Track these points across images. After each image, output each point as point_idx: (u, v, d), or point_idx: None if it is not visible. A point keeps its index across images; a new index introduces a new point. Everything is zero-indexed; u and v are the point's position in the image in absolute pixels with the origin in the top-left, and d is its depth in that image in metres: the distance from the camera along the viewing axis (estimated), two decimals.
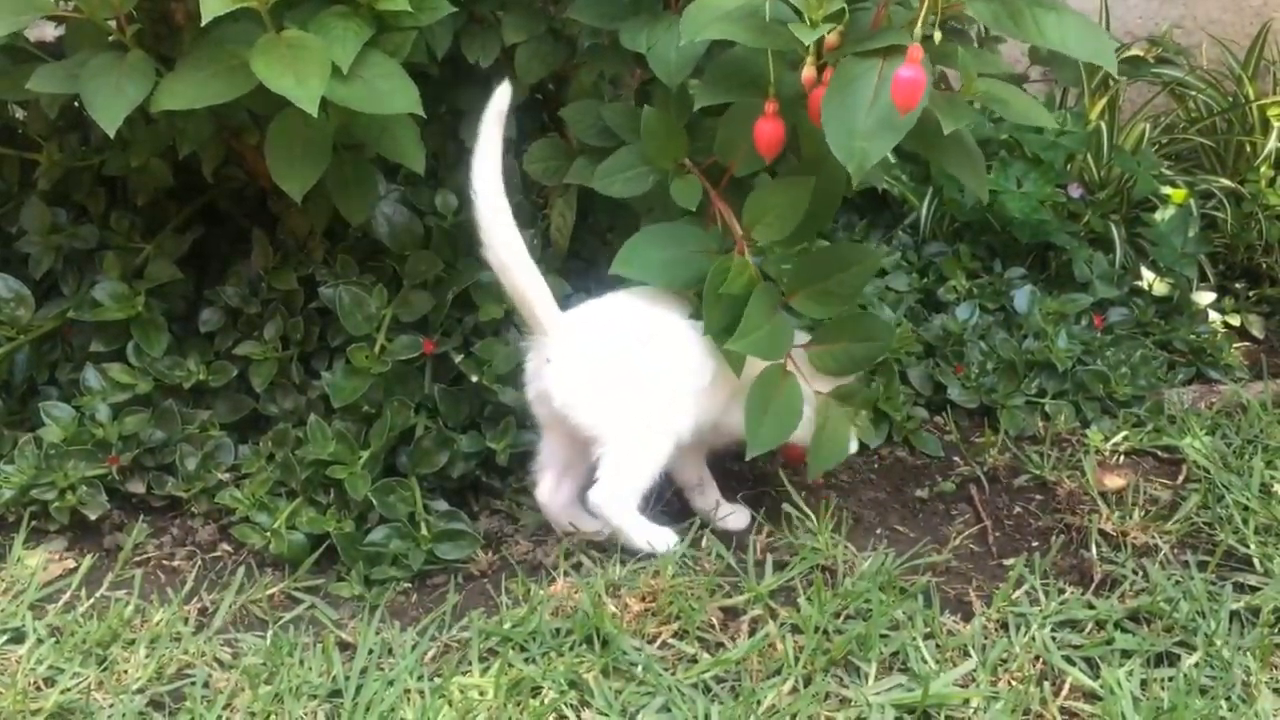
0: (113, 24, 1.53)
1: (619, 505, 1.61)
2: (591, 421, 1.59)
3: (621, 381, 1.59)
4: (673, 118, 1.64)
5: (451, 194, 1.87)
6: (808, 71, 1.43)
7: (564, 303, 1.65)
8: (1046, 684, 1.45)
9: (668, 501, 1.78)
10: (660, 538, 1.64)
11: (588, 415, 1.59)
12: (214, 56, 1.50)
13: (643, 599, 1.57)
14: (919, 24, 1.33)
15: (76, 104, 1.76)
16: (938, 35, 1.34)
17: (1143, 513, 1.77)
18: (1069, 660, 1.49)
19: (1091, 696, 1.44)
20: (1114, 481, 1.86)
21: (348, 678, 1.44)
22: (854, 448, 1.78)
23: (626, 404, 1.59)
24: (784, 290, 1.63)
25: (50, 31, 1.80)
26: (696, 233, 1.62)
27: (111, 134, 1.47)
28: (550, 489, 1.68)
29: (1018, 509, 1.82)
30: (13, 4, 1.50)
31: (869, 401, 1.78)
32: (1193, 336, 2.22)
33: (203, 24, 1.39)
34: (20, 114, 1.93)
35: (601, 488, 1.60)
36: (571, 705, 1.41)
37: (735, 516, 1.73)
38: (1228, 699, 1.43)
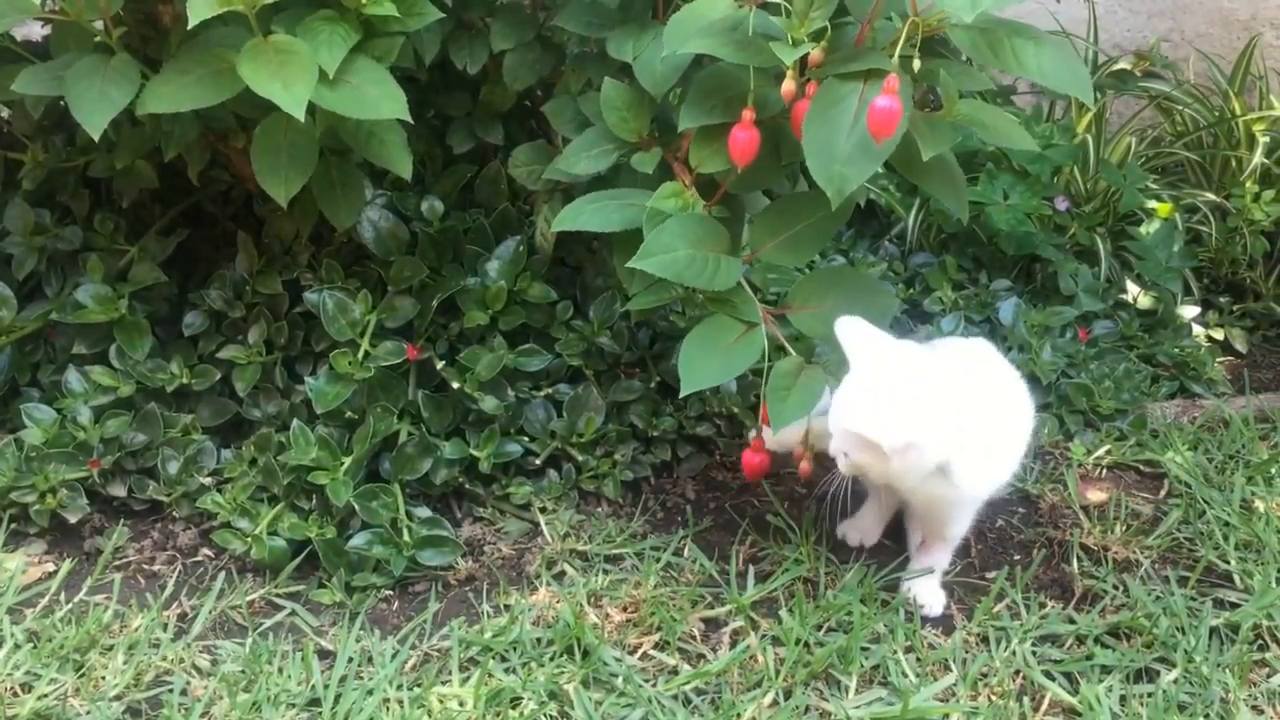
0: (99, 26, 1.52)
1: None
2: None
3: None
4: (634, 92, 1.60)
5: (437, 200, 1.87)
6: (787, 85, 1.42)
7: None
8: (1026, 699, 1.46)
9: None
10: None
11: None
12: (200, 60, 1.49)
13: (624, 609, 1.57)
14: (898, 47, 1.32)
15: (62, 104, 1.75)
16: (916, 63, 1.34)
17: (1124, 527, 1.78)
18: (1049, 675, 1.49)
19: (1071, 712, 1.45)
20: (1096, 496, 1.86)
21: (327, 686, 1.43)
22: None
23: None
24: (750, 248, 1.57)
25: (37, 31, 1.79)
26: (637, 193, 1.58)
27: (96, 137, 1.46)
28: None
29: (1000, 522, 1.82)
30: None
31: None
32: (1176, 350, 2.23)
33: (189, 27, 1.38)
34: (5, 114, 1.92)
35: None
36: (551, 716, 1.40)
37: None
38: (1206, 716, 1.44)
